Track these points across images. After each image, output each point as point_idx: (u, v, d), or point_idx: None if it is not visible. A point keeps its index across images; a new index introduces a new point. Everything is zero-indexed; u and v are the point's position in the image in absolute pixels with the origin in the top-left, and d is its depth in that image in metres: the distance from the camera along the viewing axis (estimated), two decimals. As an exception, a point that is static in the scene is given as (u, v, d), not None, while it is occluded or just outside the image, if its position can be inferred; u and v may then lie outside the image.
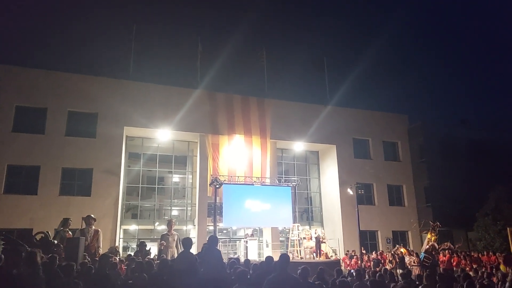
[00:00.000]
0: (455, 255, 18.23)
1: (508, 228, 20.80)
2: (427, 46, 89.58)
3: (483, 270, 12.50)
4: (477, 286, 8.00)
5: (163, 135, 23.82)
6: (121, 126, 22.28)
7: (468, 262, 17.15)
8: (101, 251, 14.60)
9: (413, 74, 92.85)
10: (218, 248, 6.64)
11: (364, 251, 20.87)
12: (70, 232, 14.22)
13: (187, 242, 6.62)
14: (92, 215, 14.88)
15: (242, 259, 13.40)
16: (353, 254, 20.74)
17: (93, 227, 14.69)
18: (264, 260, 8.16)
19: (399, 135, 28.99)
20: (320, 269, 9.59)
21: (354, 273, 9.55)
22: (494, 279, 10.14)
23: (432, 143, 28.50)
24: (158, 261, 9.50)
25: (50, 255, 7.93)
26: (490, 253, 18.16)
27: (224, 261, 6.98)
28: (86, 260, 8.62)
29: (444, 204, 26.09)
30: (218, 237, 23.77)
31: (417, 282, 9.28)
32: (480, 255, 18.65)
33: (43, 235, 12.43)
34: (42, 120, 21.18)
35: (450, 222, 24.21)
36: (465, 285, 7.89)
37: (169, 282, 5.99)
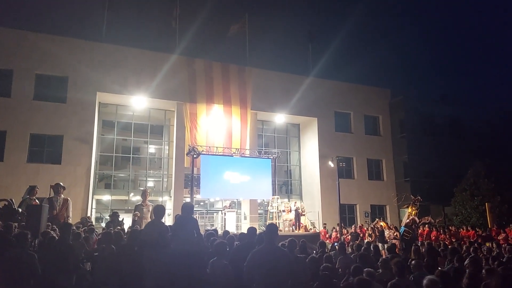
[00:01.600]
0: (434, 229, 18.24)
1: (486, 204, 20.95)
2: (409, 22, 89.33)
3: (467, 245, 12.35)
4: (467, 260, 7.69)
5: (138, 103, 22.69)
6: (93, 91, 21.05)
7: (447, 236, 17.14)
8: (70, 221, 13.86)
9: (395, 50, 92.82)
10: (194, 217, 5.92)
11: (342, 225, 20.69)
12: (37, 201, 13.36)
13: (158, 210, 5.86)
14: (61, 183, 14.04)
15: (220, 232, 12.90)
16: (335, 228, 20.49)
17: (62, 195, 13.90)
18: (245, 232, 7.55)
19: (381, 110, 28.68)
20: (302, 242, 9.12)
21: (337, 247, 9.10)
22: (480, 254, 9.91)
23: (412, 118, 28.37)
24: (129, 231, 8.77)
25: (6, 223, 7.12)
26: (469, 227, 18.23)
27: (201, 232, 6.28)
28: (49, 230, 7.85)
29: (423, 179, 26.17)
30: (195, 209, 23.16)
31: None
32: (457, 230, 18.71)
33: (6, 203, 11.62)
34: (8, 83, 19.77)
35: (428, 197, 24.26)
36: (455, 260, 7.54)
37: (139, 254, 5.27)
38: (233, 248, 5.88)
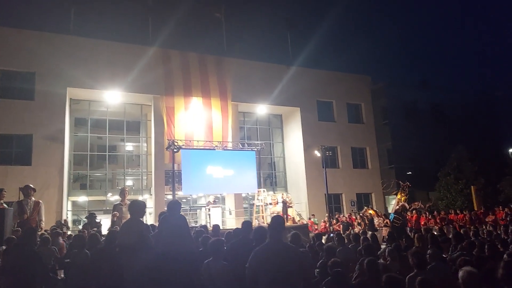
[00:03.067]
0: (422, 214, 17.95)
1: (472, 186, 20.85)
2: (387, 9, 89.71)
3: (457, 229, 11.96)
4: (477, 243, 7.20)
5: (112, 98, 21.57)
6: (63, 87, 19.83)
7: (438, 221, 16.85)
8: (43, 225, 12.85)
9: (374, 36, 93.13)
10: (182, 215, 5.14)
11: (331, 215, 20.21)
12: (4, 205, 12.29)
13: (135, 207, 4.91)
14: (31, 185, 12.91)
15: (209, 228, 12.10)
16: (325, 219, 19.96)
17: (33, 198, 12.84)
18: (232, 228, 6.77)
19: (363, 97, 28.33)
20: (295, 234, 8.46)
21: (336, 238, 8.50)
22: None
23: (395, 104, 28.20)
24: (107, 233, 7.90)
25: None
26: (458, 211, 18.02)
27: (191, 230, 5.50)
28: (13, 236, 6.94)
29: (407, 165, 25.99)
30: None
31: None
32: (446, 214, 18.47)
33: (-33, 209, 10.55)
34: (-30, 80, 18.43)
35: (412, 182, 23.99)
36: (459, 247, 7.05)
37: (119, 258, 4.46)
38: (228, 245, 5.14)
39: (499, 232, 12.04)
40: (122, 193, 15.49)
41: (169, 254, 4.16)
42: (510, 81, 73.28)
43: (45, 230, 12.17)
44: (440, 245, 7.77)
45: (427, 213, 18.10)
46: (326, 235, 14.76)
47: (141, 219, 4.83)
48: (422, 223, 17.37)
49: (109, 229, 8.12)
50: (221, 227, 17.37)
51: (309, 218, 22.00)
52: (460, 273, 3.48)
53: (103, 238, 7.38)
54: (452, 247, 7.66)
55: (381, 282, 4.17)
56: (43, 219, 13.02)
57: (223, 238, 5.20)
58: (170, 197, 19.53)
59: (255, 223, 18.27)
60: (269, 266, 3.38)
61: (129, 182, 25.53)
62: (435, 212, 19.93)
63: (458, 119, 28.90)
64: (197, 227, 9.23)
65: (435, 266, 4.82)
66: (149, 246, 4.35)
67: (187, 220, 21.81)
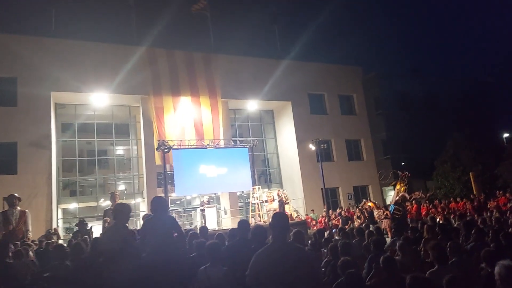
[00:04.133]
0: (423, 204, 17.58)
1: (471, 173, 20.55)
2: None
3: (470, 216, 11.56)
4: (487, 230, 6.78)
5: (99, 100, 20.89)
6: (47, 91, 19.17)
7: (440, 210, 16.48)
8: (30, 235, 12.35)
9: (363, 26, 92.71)
10: (169, 213, 4.56)
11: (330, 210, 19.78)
12: (-12, 217, 11.70)
13: (119, 211, 4.35)
14: (16, 194, 12.35)
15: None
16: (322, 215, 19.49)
17: (19, 208, 12.26)
18: (231, 228, 6.23)
19: (354, 88, 27.92)
20: (298, 232, 7.96)
21: (341, 233, 8.02)
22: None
23: (387, 94, 27.83)
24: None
25: None
26: (458, 199, 17.67)
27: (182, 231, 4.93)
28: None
29: (402, 155, 25.64)
30: (171, 208, 21.57)
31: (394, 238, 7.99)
32: (446, 203, 18.12)
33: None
34: None
35: (409, 172, 23.74)
36: (473, 235, 6.59)
37: (100, 270, 3.90)
38: (224, 247, 4.61)
39: (505, 218, 11.64)
40: (113, 198, 14.94)
41: (155, 264, 3.60)
42: (501, 67, 73.43)
43: (32, 241, 11.60)
44: (450, 236, 7.34)
45: (427, 202, 17.73)
46: (328, 231, 14.28)
47: (126, 224, 4.27)
48: (424, 213, 16.98)
49: (95, 237, 7.58)
50: (216, 228, 16.93)
51: (307, 214, 21.55)
52: (497, 269, 3.01)
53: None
54: (463, 237, 7.24)
55: (399, 281, 3.70)
56: (30, 229, 12.49)
57: (217, 241, 4.67)
58: (163, 199, 18.88)
59: (251, 221, 17.78)
60: (275, 271, 2.88)
61: (121, 186, 24.87)
62: (436, 201, 19.60)
63: (452, 107, 28.62)
64: (191, 229, 8.67)
65: (457, 261, 4.35)
66: (133, 254, 3.79)
67: (182, 222, 21.09)
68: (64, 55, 19.71)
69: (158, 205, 4.23)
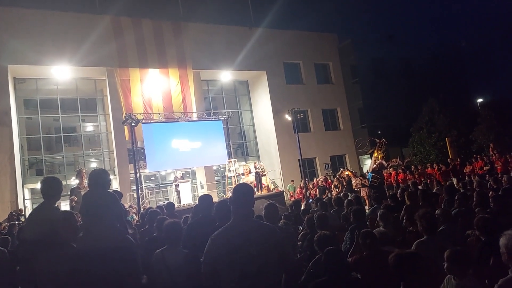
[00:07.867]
0: (399, 171, 17.44)
1: (446, 138, 20.51)
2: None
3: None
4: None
5: (61, 73, 19.62)
6: (4, 65, 17.83)
7: (417, 176, 16.34)
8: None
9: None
10: (110, 190, 3.85)
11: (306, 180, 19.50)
12: None
13: (45, 185, 3.63)
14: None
15: (177, 205, 10.98)
16: (304, 183, 19.12)
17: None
18: (197, 202, 5.62)
19: (330, 56, 27.32)
20: (270, 205, 7.42)
21: (318, 204, 7.58)
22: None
23: (363, 62, 27.38)
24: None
25: None
26: (434, 165, 17.58)
27: (127, 212, 4.30)
28: None
29: (379, 124, 25.47)
30: (145, 185, 20.75)
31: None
32: (421, 168, 18.02)
33: None
34: None
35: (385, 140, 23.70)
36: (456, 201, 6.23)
37: (29, 261, 3.23)
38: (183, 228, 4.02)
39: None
40: (79, 175, 14.27)
41: (94, 251, 2.98)
42: (473, 32, 73.85)
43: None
44: (432, 201, 6.99)
45: (404, 168, 17.57)
46: (305, 201, 13.95)
47: (53, 202, 3.53)
48: (400, 179, 16.85)
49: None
50: (192, 203, 16.35)
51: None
52: (504, 240, 2.54)
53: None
54: (444, 202, 6.89)
55: (382, 256, 3.21)
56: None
57: (177, 220, 4.08)
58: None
59: (228, 195, 17.32)
60: (236, 257, 2.31)
61: (93, 164, 23.89)
62: (413, 167, 19.48)
63: (426, 73, 28.47)
64: (151, 208, 8.04)
65: (445, 230, 3.92)
66: (67, 241, 3.13)
67: (155, 199, 20.33)
68: (22, 25, 18.25)
69: (98, 179, 3.53)
